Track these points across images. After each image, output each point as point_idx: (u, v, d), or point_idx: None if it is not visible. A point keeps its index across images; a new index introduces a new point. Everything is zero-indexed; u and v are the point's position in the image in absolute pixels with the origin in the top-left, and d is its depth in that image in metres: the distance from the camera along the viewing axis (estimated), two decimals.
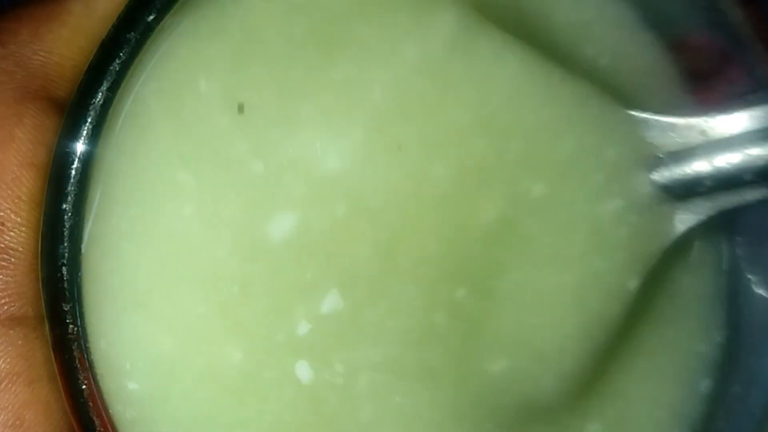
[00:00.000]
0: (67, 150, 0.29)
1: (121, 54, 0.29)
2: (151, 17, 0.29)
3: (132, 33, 0.29)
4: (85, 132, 0.29)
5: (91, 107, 0.29)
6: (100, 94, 0.29)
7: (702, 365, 0.37)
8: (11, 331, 0.31)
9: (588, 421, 0.36)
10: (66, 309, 0.30)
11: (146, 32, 0.29)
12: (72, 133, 0.29)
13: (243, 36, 0.30)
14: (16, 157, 0.31)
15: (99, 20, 0.33)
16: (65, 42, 0.33)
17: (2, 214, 0.31)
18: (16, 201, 0.31)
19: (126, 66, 0.29)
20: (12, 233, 0.31)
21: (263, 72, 0.30)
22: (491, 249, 0.32)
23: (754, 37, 0.33)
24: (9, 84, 0.32)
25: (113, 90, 0.29)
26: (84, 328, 0.30)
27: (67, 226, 0.29)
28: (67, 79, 0.33)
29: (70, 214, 0.29)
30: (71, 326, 0.30)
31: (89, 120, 0.29)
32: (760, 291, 0.36)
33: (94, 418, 0.30)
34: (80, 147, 0.29)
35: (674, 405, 0.37)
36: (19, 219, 0.31)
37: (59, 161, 0.30)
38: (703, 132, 0.33)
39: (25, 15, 0.33)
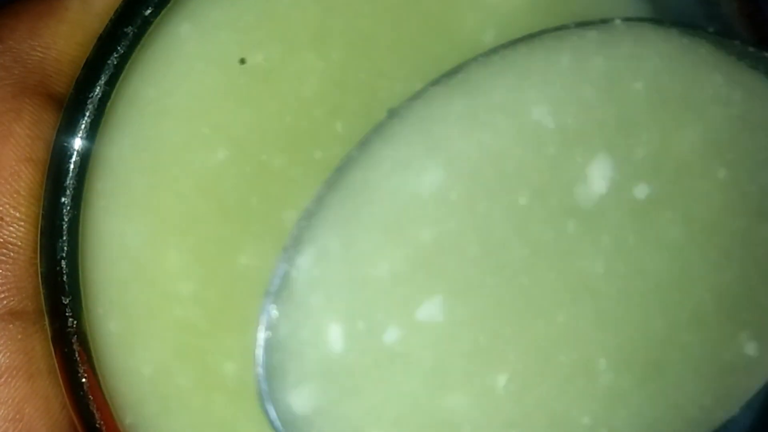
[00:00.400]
0: (66, 144, 0.30)
1: (119, 48, 0.29)
2: (149, 11, 0.29)
3: (129, 27, 0.29)
4: (83, 126, 0.30)
5: (89, 102, 0.29)
6: (98, 88, 0.29)
7: None
8: (11, 326, 0.31)
9: None
10: (65, 303, 0.30)
11: (144, 26, 0.29)
12: (70, 128, 0.30)
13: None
14: (14, 152, 0.32)
15: (97, 16, 0.34)
16: (63, 38, 0.33)
17: (1, 209, 0.31)
18: (15, 196, 0.31)
19: (124, 60, 0.29)
20: (11, 228, 0.31)
21: None
22: None
23: (745, 30, 0.33)
24: (7, 80, 0.32)
25: (111, 84, 0.29)
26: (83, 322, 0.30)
27: (66, 220, 0.30)
28: (65, 74, 0.33)
29: (68, 208, 0.30)
30: (71, 320, 0.30)
31: (87, 114, 0.29)
32: None
33: (95, 412, 0.30)
34: (78, 141, 0.29)
35: None
36: (18, 214, 0.31)
37: (57, 156, 0.30)
38: None
39: (22, 11, 0.33)
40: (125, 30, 0.29)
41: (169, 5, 0.29)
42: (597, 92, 0.30)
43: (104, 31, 0.29)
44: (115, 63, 0.29)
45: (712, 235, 0.31)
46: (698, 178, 0.31)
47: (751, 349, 0.31)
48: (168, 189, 0.30)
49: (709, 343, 0.31)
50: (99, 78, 0.29)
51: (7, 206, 0.31)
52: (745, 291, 0.31)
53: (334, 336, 0.29)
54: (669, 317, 0.31)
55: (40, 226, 0.30)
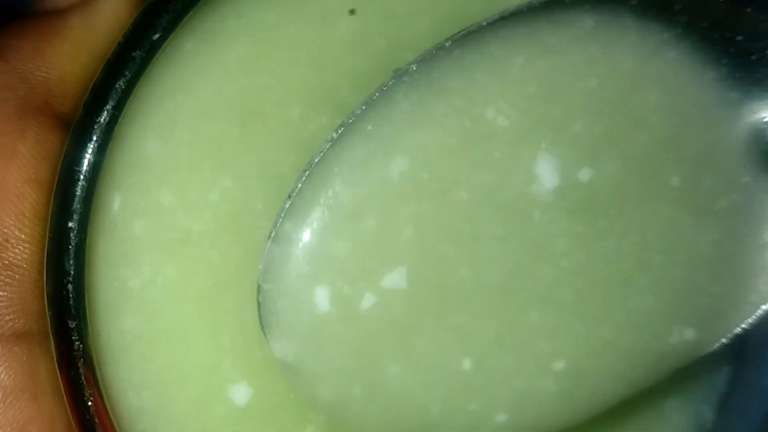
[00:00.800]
0: (73, 168, 0.30)
1: (127, 73, 0.29)
2: (156, 36, 0.29)
3: (137, 52, 0.29)
4: (90, 150, 0.29)
5: (96, 126, 0.29)
6: (106, 112, 0.29)
7: None
8: (16, 347, 0.31)
9: None
10: (72, 326, 0.30)
11: (151, 51, 0.29)
12: (77, 152, 0.30)
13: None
14: (19, 172, 0.32)
15: (100, 35, 0.34)
16: (67, 57, 0.33)
17: (6, 230, 0.31)
18: (20, 217, 0.31)
19: (131, 84, 0.29)
20: (16, 250, 0.31)
21: None
22: None
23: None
24: (12, 99, 0.32)
25: (118, 108, 0.29)
26: (90, 344, 0.30)
27: (73, 244, 0.30)
28: (69, 94, 0.33)
29: (75, 231, 0.29)
30: (77, 343, 0.30)
31: (95, 138, 0.29)
32: None
33: None
34: (86, 165, 0.29)
35: None
36: (23, 235, 0.31)
37: (65, 179, 0.30)
38: None
39: (27, 30, 0.33)
40: (133, 54, 0.29)
41: (177, 29, 0.29)
42: (542, 88, 0.30)
43: (112, 55, 0.29)
44: (123, 87, 0.29)
45: (658, 241, 0.32)
46: (638, 203, 0.31)
47: (689, 335, 0.32)
48: (176, 211, 0.30)
49: (646, 339, 0.32)
50: (106, 102, 0.29)
51: (12, 228, 0.31)
52: (687, 288, 0.32)
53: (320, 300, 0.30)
54: (611, 320, 0.31)
55: (46, 248, 0.30)
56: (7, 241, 0.31)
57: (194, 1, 0.29)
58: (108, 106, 0.29)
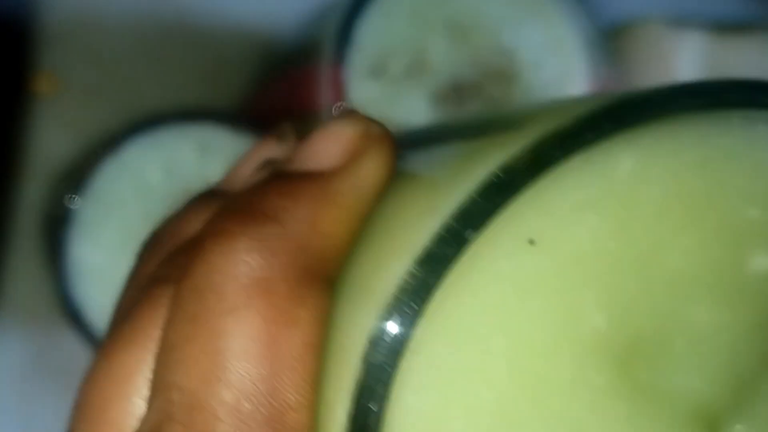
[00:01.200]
0: (380, 355, 0.31)
1: (439, 269, 0.31)
2: (471, 233, 0.31)
3: (451, 247, 0.31)
4: (398, 338, 0.31)
5: (406, 319, 0.31)
6: (414, 308, 0.31)
7: None
8: None
9: None
10: None
11: (463, 247, 0.31)
12: (386, 332, 0.31)
13: None
14: (300, 338, 0.33)
15: (366, 201, 0.35)
16: (338, 224, 0.35)
17: (290, 396, 0.33)
18: (301, 383, 0.33)
19: (441, 277, 0.31)
20: (296, 414, 0.33)
21: None
22: None
23: None
24: (292, 265, 0.33)
25: (426, 303, 0.31)
26: None
27: (372, 424, 0.31)
28: (338, 259, 0.35)
29: (377, 414, 0.31)
30: None
31: (403, 330, 0.31)
32: None
33: None
34: (391, 353, 0.31)
35: None
36: (303, 400, 0.33)
37: (370, 364, 0.31)
38: None
39: (299, 194, 0.35)
40: (446, 251, 0.31)
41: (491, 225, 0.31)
42: None
43: (423, 253, 0.31)
44: (435, 281, 0.31)
45: None
46: None
47: None
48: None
49: None
50: (420, 301, 0.31)
51: (294, 393, 0.33)
52: None
53: None
54: None
55: (348, 424, 0.31)
56: (289, 406, 0.33)
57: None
58: (419, 303, 0.31)
